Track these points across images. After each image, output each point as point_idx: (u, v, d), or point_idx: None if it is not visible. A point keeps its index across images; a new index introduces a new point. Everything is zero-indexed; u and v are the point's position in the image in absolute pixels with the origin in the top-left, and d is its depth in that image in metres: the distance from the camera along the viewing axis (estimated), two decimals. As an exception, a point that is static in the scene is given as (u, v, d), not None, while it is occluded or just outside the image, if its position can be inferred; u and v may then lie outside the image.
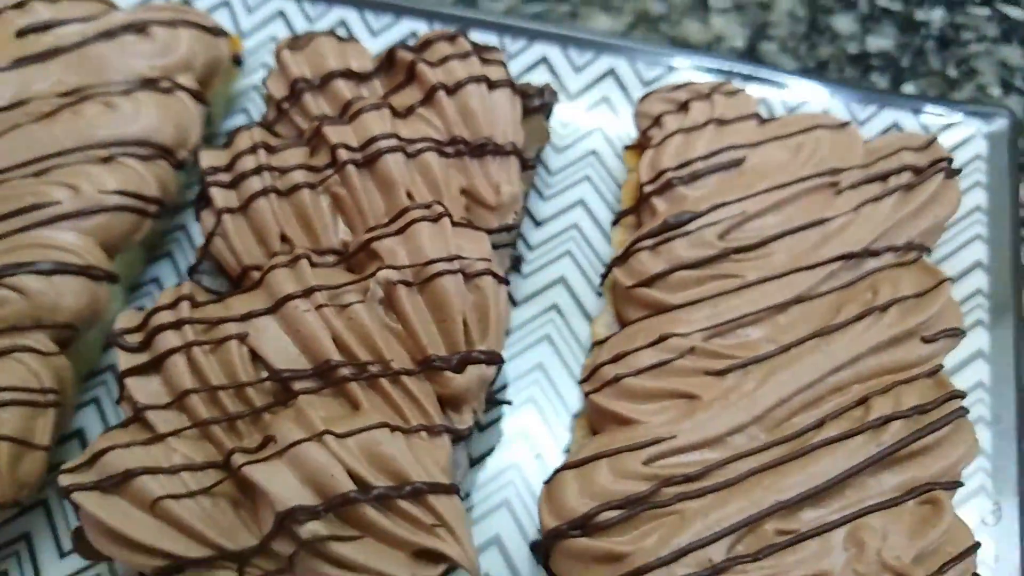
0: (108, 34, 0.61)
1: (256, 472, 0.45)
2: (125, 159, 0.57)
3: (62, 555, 0.53)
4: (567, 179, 0.67)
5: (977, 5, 0.84)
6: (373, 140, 0.55)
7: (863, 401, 0.48)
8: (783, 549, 0.44)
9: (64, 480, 0.46)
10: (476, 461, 0.56)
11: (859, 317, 0.50)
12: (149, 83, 0.60)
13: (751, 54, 0.81)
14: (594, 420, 0.51)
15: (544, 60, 0.71)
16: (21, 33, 0.61)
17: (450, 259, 0.51)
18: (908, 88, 0.78)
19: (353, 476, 0.45)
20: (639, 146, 0.62)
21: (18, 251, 0.53)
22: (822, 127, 0.58)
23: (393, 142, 0.55)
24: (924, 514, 0.45)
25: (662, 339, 0.50)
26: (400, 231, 0.52)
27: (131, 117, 0.58)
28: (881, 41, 0.82)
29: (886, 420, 0.46)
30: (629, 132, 0.67)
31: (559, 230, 0.64)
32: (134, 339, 0.50)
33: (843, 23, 0.83)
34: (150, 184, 0.57)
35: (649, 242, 0.54)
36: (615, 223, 0.60)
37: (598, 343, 0.54)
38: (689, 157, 0.57)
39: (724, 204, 0.54)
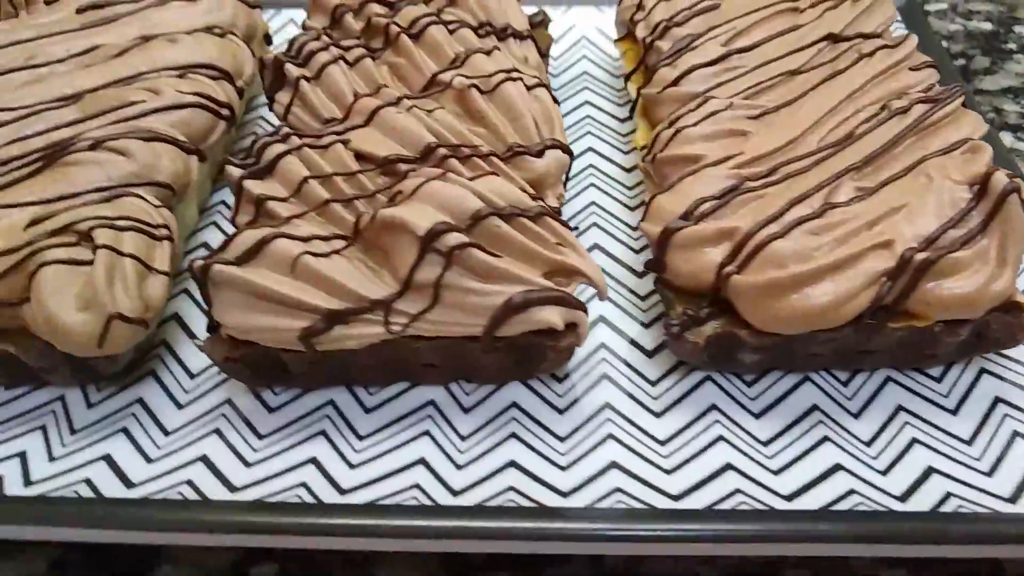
0: (161, 1, 0.70)
1: (395, 211, 0.48)
2: (196, 76, 0.63)
3: (179, 406, 0.53)
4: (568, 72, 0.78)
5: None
6: (417, 20, 0.64)
7: (884, 108, 0.56)
8: (868, 196, 0.50)
9: (200, 262, 0.48)
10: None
11: (853, 63, 0.60)
12: (206, 29, 0.68)
13: None
14: (665, 176, 0.57)
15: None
16: (80, 10, 0.69)
17: (510, 70, 0.59)
18: None
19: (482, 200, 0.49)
20: (628, 34, 0.73)
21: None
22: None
23: (434, 18, 0.64)
24: (968, 155, 0.52)
25: (705, 101, 0.58)
26: (461, 63, 0.60)
27: (195, 48, 0.65)
28: None
29: (909, 105, 0.55)
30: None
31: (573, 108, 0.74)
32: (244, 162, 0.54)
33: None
34: (220, 92, 0.63)
35: (667, 61, 0.64)
36: (627, 78, 0.69)
37: (645, 146, 0.62)
38: (676, 11, 0.68)
39: (718, 25, 0.65)
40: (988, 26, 0.94)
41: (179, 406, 0.52)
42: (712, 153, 0.55)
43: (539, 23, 0.74)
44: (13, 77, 0.63)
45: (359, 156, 0.54)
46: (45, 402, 0.53)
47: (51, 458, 0.49)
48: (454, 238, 0.46)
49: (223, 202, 0.67)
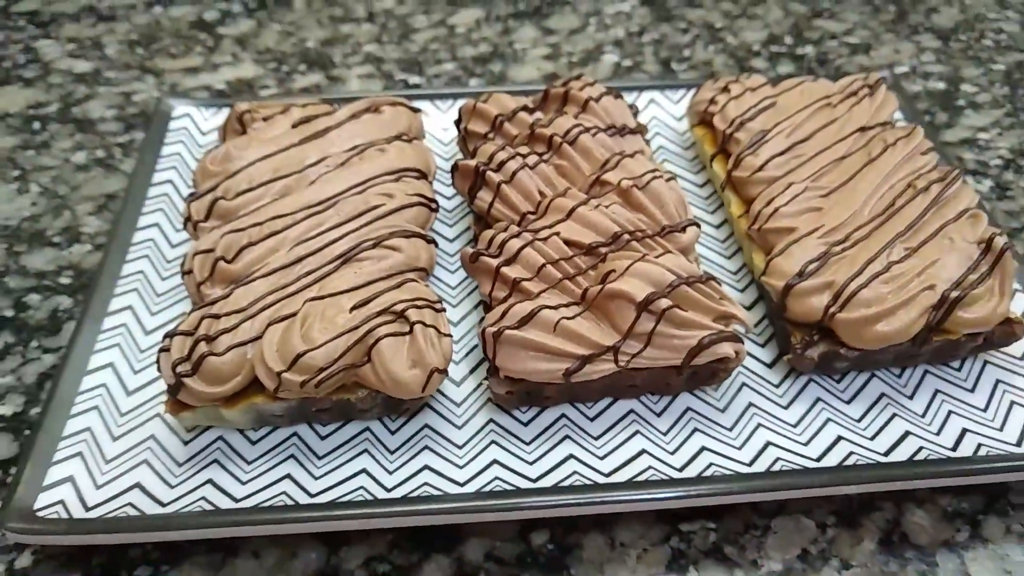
0: (355, 116, 0.90)
1: (617, 285, 0.71)
2: (407, 178, 0.85)
3: (459, 426, 0.75)
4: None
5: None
6: (569, 131, 0.87)
7: (910, 186, 0.83)
8: (913, 254, 0.76)
9: (493, 328, 0.70)
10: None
11: (883, 151, 0.86)
12: (397, 137, 0.89)
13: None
14: (768, 241, 0.81)
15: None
16: (295, 125, 0.89)
17: (654, 170, 0.82)
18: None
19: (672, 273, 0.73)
20: (702, 121, 0.98)
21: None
22: (805, 82, 0.97)
23: (582, 128, 0.87)
24: (971, 220, 0.79)
25: (789, 185, 0.83)
26: (614, 167, 0.83)
27: (400, 155, 0.86)
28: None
29: (928, 184, 0.82)
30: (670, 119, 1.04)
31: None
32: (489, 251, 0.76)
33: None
34: (428, 190, 0.85)
35: (749, 151, 0.89)
36: (712, 159, 0.94)
37: (741, 215, 0.87)
38: (744, 109, 0.93)
39: (780, 121, 0.91)
40: (942, 85, 1.23)
41: (457, 427, 0.75)
42: (802, 225, 0.80)
43: (634, 114, 0.98)
44: (271, 187, 0.83)
45: (567, 243, 0.77)
46: (358, 432, 0.74)
47: (388, 471, 0.71)
48: (664, 303, 0.70)
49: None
